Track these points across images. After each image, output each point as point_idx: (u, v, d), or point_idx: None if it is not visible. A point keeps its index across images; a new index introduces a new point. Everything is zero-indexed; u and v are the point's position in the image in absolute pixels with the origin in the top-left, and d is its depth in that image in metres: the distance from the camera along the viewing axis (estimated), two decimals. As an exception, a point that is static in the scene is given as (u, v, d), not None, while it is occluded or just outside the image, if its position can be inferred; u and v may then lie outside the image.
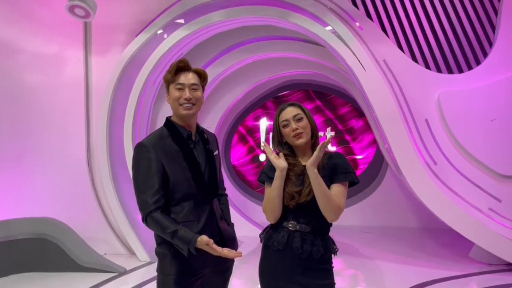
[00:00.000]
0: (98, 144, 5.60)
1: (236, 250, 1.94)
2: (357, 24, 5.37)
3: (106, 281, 4.54)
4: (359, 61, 5.05)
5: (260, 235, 2.04)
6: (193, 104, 1.93)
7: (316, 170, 1.83)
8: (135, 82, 5.57)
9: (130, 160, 5.45)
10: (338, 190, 1.89)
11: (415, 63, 5.37)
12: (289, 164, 1.95)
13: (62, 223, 4.92)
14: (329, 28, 5.19)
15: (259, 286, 2.02)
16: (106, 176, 5.49)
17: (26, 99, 5.62)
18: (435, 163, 5.08)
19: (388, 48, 5.34)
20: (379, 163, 7.97)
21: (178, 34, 5.47)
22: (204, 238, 1.75)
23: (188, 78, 1.94)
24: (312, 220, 1.91)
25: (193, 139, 1.99)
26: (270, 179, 1.96)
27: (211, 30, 5.74)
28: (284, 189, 1.92)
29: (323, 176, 1.88)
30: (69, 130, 5.74)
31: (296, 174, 1.94)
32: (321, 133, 8.25)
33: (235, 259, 1.93)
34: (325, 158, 1.96)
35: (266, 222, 2.03)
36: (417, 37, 5.52)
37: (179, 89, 1.92)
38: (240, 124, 8.61)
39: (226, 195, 2.22)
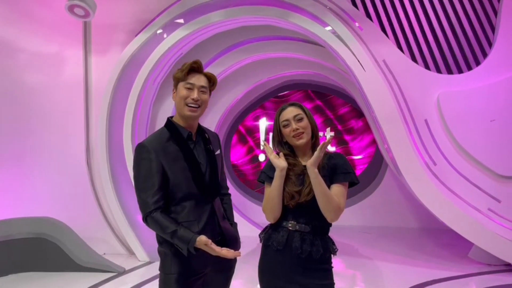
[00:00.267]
0: (97, 143, 5.59)
1: (238, 249, 1.96)
2: (357, 24, 5.37)
3: (105, 281, 4.53)
4: (358, 61, 5.05)
5: (259, 235, 2.04)
6: (199, 106, 1.94)
7: (316, 170, 1.84)
8: (135, 82, 5.56)
9: (130, 159, 5.47)
10: (338, 190, 1.89)
11: (415, 64, 5.37)
12: (289, 164, 1.95)
13: (61, 223, 4.92)
14: (328, 28, 5.19)
15: (258, 286, 2.02)
16: (106, 176, 5.49)
17: (26, 98, 5.61)
18: (435, 164, 5.08)
19: (387, 49, 5.34)
20: (378, 163, 7.98)
21: (178, 34, 5.47)
22: (202, 238, 1.76)
23: (199, 79, 1.95)
24: (312, 220, 1.91)
25: (194, 139, 2.00)
26: (270, 178, 1.96)
27: (211, 30, 5.74)
28: (284, 188, 1.92)
29: (323, 176, 1.88)
30: (69, 129, 5.74)
31: (296, 174, 1.94)
32: (320, 133, 8.19)
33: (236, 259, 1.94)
34: (325, 158, 1.96)
35: (265, 222, 2.03)
36: (417, 37, 5.52)
37: (188, 88, 1.93)
38: (240, 124, 8.61)
39: (229, 194, 2.22)
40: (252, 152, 8.62)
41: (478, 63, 5.36)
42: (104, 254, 5.46)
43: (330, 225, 1.97)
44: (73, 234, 4.90)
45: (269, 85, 8.11)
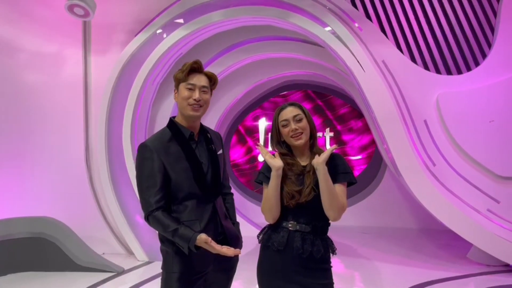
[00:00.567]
0: (96, 143, 5.59)
1: (240, 249, 1.97)
2: (356, 24, 5.37)
3: (104, 280, 4.53)
4: (358, 61, 5.06)
5: (257, 236, 2.04)
6: (201, 106, 1.95)
7: (326, 167, 1.86)
8: (134, 82, 5.56)
9: (129, 159, 5.48)
10: (339, 190, 1.91)
11: (414, 64, 5.38)
12: (288, 164, 1.95)
13: (60, 223, 4.91)
14: (328, 28, 5.19)
15: (257, 286, 2.02)
16: (105, 176, 5.48)
17: (25, 98, 5.61)
18: (434, 164, 5.09)
19: (387, 49, 5.34)
20: (377, 164, 7.98)
21: (178, 34, 5.47)
22: (202, 236, 1.77)
23: (200, 80, 1.96)
24: (312, 220, 1.91)
25: (196, 139, 2.01)
26: (268, 179, 1.96)
27: (211, 30, 5.74)
28: (283, 188, 1.92)
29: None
30: (68, 129, 5.74)
31: (296, 174, 1.95)
32: (319, 134, 8.26)
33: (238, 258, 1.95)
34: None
35: (265, 223, 2.03)
36: (416, 38, 5.53)
37: (190, 89, 1.94)
38: (239, 124, 8.61)
39: (232, 194, 2.23)
40: (252, 152, 8.62)
41: (477, 64, 5.37)
42: (103, 254, 5.45)
43: (329, 225, 1.97)
44: (72, 233, 4.89)
45: (268, 85, 8.12)
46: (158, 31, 5.59)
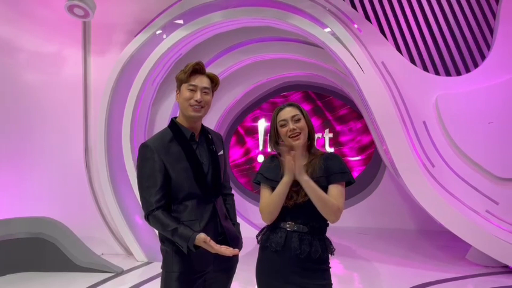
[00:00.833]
0: (96, 143, 5.59)
1: (239, 249, 1.97)
2: (356, 26, 5.39)
3: (103, 281, 4.53)
4: (357, 63, 5.06)
5: (256, 237, 2.04)
6: (202, 107, 1.97)
7: (306, 177, 1.83)
8: (134, 82, 5.57)
9: (128, 160, 5.48)
10: (336, 190, 1.89)
11: (414, 66, 5.39)
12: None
13: (59, 223, 4.92)
14: (327, 30, 5.20)
15: (256, 287, 2.02)
16: (104, 176, 5.49)
17: (25, 98, 5.61)
18: (433, 165, 5.09)
19: (386, 50, 5.35)
20: (377, 165, 7.99)
21: (177, 35, 5.48)
22: (202, 236, 1.78)
23: (202, 81, 1.98)
24: (310, 221, 1.91)
25: (197, 139, 2.02)
26: (266, 179, 1.96)
27: (210, 30, 5.75)
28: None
29: (320, 177, 1.89)
30: (68, 129, 5.74)
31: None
32: (319, 135, 8.27)
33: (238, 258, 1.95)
34: (321, 159, 1.96)
35: (263, 223, 2.04)
36: (416, 39, 5.54)
37: (191, 90, 1.96)
38: (239, 125, 8.62)
39: (232, 194, 2.25)
40: (251, 153, 8.63)
41: (476, 65, 5.39)
42: (102, 254, 5.46)
43: (327, 225, 1.97)
44: (71, 234, 4.89)
45: (268, 86, 8.13)
46: (158, 32, 5.60)
